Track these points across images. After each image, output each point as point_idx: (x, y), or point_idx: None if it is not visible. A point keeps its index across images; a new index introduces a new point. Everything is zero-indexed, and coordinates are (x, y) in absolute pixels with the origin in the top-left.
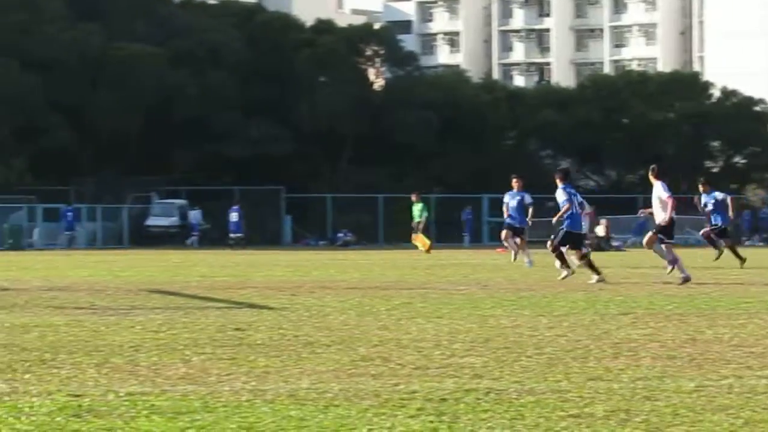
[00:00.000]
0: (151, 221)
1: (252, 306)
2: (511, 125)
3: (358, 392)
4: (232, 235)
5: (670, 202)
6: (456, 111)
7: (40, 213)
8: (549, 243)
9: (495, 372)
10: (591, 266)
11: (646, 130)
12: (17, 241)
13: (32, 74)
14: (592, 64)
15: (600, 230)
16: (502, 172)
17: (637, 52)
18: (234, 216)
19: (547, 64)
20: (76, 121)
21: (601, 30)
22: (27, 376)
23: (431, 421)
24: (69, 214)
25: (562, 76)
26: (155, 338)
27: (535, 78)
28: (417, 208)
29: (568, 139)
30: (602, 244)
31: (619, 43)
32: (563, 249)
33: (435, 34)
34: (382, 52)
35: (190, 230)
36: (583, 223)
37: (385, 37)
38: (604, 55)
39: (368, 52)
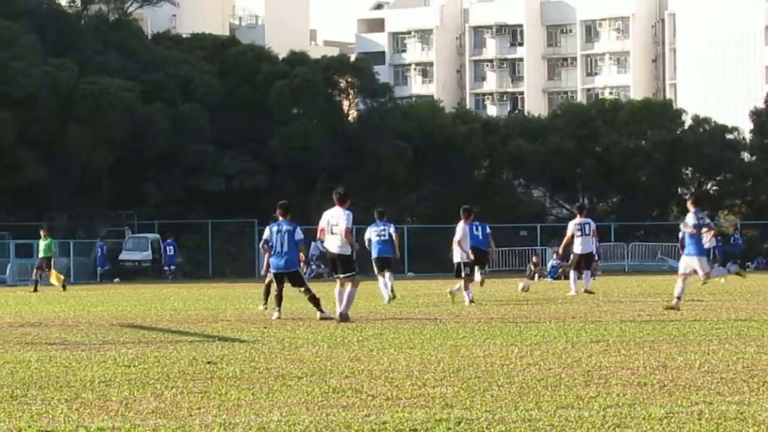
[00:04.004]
0: (125, 255)
1: (224, 339)
2: (485, 155)
3: (329, 424)
4: (166, 268)
5: None
6: (430, 141)
7: (13, 249)
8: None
9: (466, 402)
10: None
11: (618, 158)
12: None
13: (3, 110)
14: (565, 92)
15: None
16: (476, 202)
17: (609, 81)
18: (170, 249)
19: (520, 93)
20: (48, 157)
21: (574, 59)
22: None
23: None
24: (100, 250)
25: (535, 105)
26: (126, 373)
27: (508, 107)
28: (45, 244)
29: (541, 168)
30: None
31: (591, 72)
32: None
33: (408, 65)
34: (356, 83)
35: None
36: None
37: (360, 68)
38: (576, 83)
39: (342, 84)
